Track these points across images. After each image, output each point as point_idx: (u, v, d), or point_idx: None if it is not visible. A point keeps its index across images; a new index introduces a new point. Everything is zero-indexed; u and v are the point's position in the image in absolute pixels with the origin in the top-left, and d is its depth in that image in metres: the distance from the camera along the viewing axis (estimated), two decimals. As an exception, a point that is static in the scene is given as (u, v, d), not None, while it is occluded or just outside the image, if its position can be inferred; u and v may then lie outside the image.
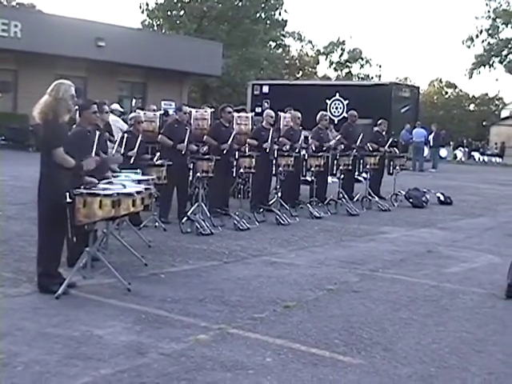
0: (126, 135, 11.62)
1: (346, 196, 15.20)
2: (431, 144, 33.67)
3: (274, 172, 13.86)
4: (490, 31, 54.46)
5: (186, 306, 6.94)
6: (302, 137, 15.21)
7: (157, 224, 11.47)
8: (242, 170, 12.60)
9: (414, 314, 7.21)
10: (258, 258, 9.66)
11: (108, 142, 10.77)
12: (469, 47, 55.67)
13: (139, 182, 8.82)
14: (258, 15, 55.00)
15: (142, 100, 36.79)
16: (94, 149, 7.80)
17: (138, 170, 10.03)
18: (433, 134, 33.84)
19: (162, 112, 14.67)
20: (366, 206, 15.93)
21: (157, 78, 38.31)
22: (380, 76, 71.41)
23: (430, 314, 7.24)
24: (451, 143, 51.93)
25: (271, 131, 13.79)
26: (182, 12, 54.28)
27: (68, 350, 5.47)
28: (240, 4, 53.95)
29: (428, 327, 6.75)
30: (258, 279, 8.35)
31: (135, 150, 11.29)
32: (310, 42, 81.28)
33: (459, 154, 48.41)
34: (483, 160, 47.99)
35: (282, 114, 16.30)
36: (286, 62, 68.42)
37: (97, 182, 7.46)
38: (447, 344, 6.22)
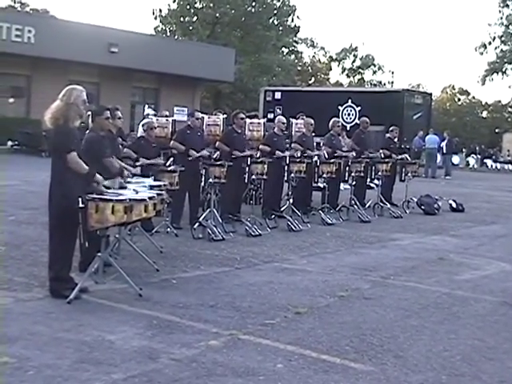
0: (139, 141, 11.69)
1: (357, 202, 15.18)
2: (444, 151, 33.54)
3: (286, 178, 13.89)
4: (502, 38, 54.34)
5: (198, 312, 6.94)
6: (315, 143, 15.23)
7: (169, 230, 11.48)
8: (254, 176, 12.63)
9: (425, 321, 7.20)
10: (270, 264, 9.66)
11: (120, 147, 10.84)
12: (482, 54, 55.58)
13: (151, 187, 8.83)
14: (270, 21, 55.03)
15: (155, 106, 36.88)
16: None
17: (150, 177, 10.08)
18: (445, 141, 33.74)
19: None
20: (378, 212, 15.90)
21: (169, 83, 38.42)
22: (392, 82, 71.16)
23: (442, 322, 7.23)
24: (464, 150, 51.77)
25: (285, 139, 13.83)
26: (194, 18, 54.40)
27: (80, 355, 5.49)
28: (253, 10, 54.04)
29: (439, 335, 6.73)
30: (270, 285, 8.35)
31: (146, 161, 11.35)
32: (323, 48, 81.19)
33: (472, 161, 48.22)
34: (496, 167, 47.78)
35: (293, 121, 16.34)
36: (299, 68, 68.34)
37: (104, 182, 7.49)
38: (459, 352, 6.21)
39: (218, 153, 13.33)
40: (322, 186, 15.02)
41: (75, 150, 7.10)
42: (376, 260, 10.50)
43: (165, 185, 9.80)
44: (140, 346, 5.80)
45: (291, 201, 13.44)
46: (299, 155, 14.31)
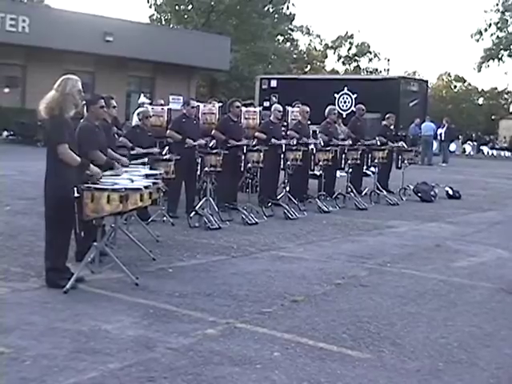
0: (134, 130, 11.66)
1: (354, 190, 15.17)
2: (443, 138, 33.51)
3: (282, 166, 13.87)
4: (498, 25, 54.33)
5: (194, 301, 6.94)
6: (311, 131, 15.21)
7: (165, 218, 11.46)
8: (250, 165, 12.60)
9: (422, 308, 7.20)
10: (266, 253, 9.66)
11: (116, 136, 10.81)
12: (477, 41, 55.58)
13: (147, 176, 8.80)
14: (265, 9, 54.87)
15: (150, 94, 36.77)
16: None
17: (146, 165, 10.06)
18: (444, 128, 33.68)
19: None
20: (375, 200, 15.89)
21: (165, 72, 38.32)
22: (388, 70, 71.05)
23: (438, 309, 7.23)
24: (460, 137, 51.76)
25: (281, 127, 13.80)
26: (189, 6, 54.17)
27: (76, 345, 5.48)
28: (248, -2, 53.85)
29: (436, 322, 6.74)
30: (266, 273, 8.35)
31: (142, 150, 11.30)
32: (318, 36, 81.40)
33: (468, 148, 48.21)
34: (492, 154, 47.78)
35: (289, 109, 16.30)
36: (294, 56, 68.23)
37: (101, 173, 7.45)
38: (455, 338, 6.21)
39: (213, 141, 13.30)
40: (318, 173, 14.99)
41: (68, 141, 7.06)
42: (373, 247, 10.50)
43: (161, 173, 9.76)
44: (136, 335, 5.79)
45: (287, 189, 13.43)
46: (295, 143, 14.28)
